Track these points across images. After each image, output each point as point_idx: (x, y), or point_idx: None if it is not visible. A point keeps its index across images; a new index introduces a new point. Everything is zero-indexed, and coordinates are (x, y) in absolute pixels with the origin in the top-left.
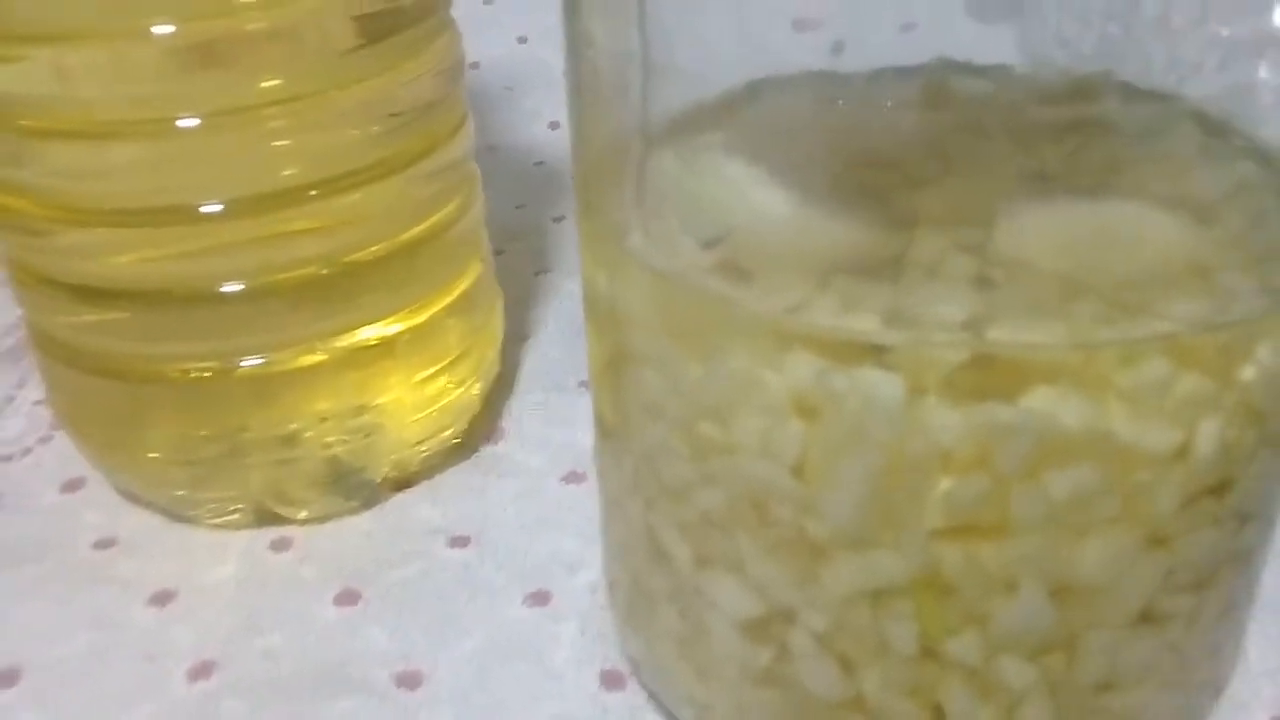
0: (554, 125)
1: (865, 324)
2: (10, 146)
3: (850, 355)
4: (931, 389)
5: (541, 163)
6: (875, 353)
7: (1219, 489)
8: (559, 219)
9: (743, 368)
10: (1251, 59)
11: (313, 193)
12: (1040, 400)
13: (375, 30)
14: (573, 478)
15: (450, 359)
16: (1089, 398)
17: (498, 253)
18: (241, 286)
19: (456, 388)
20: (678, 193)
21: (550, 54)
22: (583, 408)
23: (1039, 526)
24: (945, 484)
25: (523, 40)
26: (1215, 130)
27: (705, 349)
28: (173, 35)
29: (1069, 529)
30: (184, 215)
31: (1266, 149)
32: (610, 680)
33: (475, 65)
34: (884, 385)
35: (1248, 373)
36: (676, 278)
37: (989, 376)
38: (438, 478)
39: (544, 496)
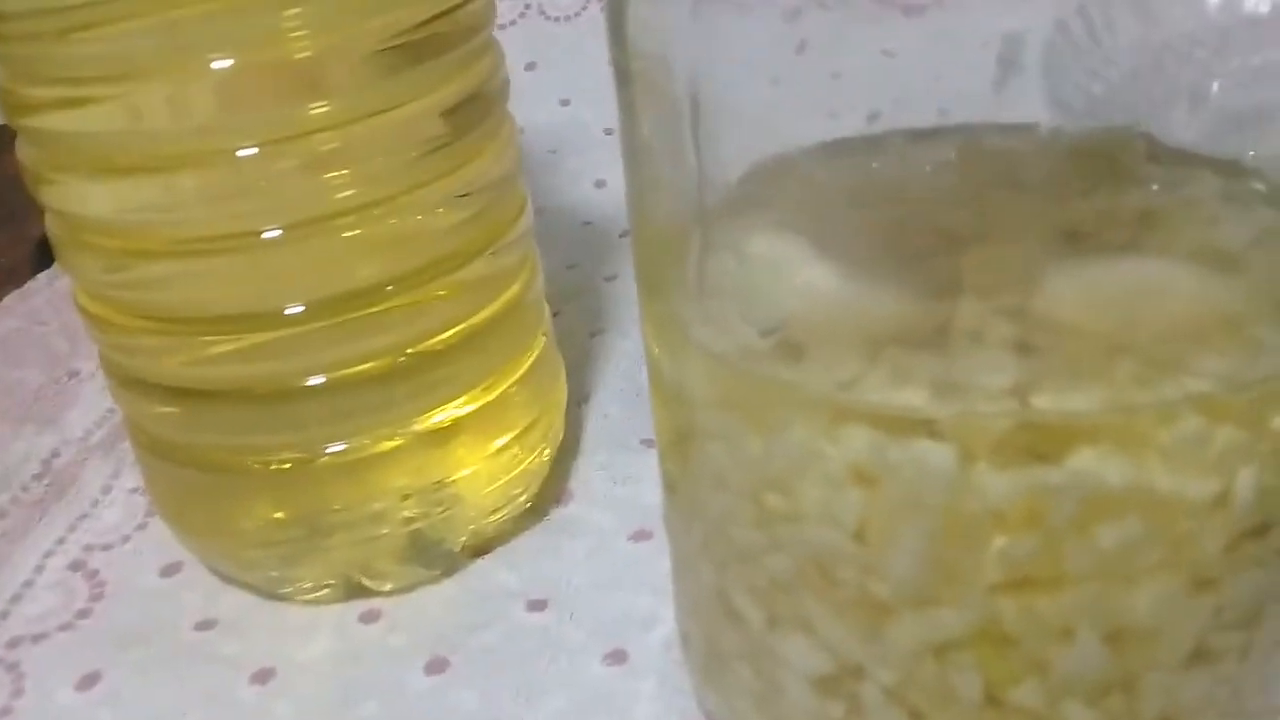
0: (600, 184)
1: (915, 399)
2: (109, 260)
3: (902, 428)
4: (981, 456)
5: (589, 222)
6: (926, 425)
7: (1260, 531)
8: (611, 278)
9: (802, 441)
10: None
11: (389, 288)
12: (1084, 461)
13: (460, 124)
14: (640, 535)
15: (520, 429)
16: (1130, 456)
17: (554, 314)
18: (322, 380)
19: (527, 455)
20: (733, 286)
21: (592, 115)
22: (645, 466)
23: (1091, 577)
24: (1000, 542)
25: (565, 103)
26: (1233, 174)
27: (766, 425)
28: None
29: (1119, 577)
30: (269, 320)
31: None
32: None
33: (520, 130)
34: (935, 455)
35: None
36: (736, 362)
37: (1034, 441)
38: (512, 542)
39: (614, 555)
